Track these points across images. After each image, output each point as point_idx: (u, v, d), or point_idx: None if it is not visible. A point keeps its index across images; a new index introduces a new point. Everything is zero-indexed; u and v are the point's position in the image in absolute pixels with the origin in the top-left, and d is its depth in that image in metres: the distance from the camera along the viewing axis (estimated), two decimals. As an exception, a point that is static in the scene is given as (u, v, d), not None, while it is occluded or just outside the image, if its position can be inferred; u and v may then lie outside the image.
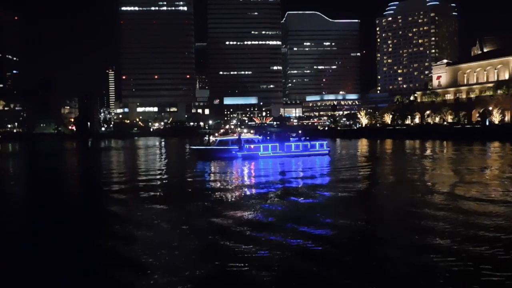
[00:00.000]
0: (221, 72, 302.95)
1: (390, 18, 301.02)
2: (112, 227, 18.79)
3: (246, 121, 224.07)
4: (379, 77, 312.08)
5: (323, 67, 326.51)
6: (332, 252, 14.39)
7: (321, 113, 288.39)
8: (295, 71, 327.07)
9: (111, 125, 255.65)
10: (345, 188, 28.08)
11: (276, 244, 15.34)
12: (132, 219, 20.23)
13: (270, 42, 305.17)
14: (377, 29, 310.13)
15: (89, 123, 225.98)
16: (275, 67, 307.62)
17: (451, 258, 13.31)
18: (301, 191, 27.59)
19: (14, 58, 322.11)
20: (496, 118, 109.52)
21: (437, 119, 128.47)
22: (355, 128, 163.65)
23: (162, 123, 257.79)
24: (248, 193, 27.72)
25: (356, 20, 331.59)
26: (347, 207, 22.05)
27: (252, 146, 53.48)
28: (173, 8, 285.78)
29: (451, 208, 20.66)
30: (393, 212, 20.97)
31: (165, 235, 17.23)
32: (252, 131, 67.46)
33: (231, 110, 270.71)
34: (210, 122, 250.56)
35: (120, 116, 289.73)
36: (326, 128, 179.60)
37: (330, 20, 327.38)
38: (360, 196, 25.87)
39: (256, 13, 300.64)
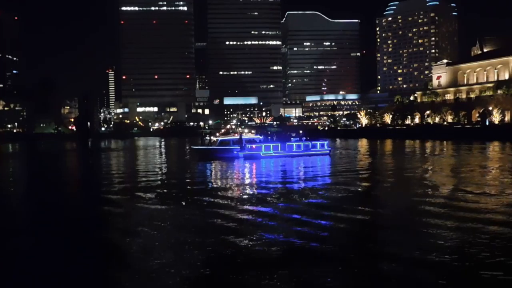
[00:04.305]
0: (221, 72, 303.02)
1: (390, 18, 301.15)
2: (112, 227, 18.85)
3: (246, 121, 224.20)
4: (379, 77, 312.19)
5: (323, 67, 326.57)
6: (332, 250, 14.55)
7: (321, 113, 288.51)
8: (295, 71, 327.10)
9: (111, 125, 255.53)
10: (346, 185, 28.21)
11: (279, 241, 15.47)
12: (132, 220, 20.28)
13: (270, 42, 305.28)
14: (377, 29, 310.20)
15: (89, 123, 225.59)
16: (275, 67, 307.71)
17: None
18: (304, 190, 27.67)
19: (14, 58, 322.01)
20: (496, 118, 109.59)
21: (437, 119, 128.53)
22: (355, 128, 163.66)
23: (162, 123, 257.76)
24: (252, 192, 27.79)
25: (356, 20, 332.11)
26: (350, 201, 22.18)
27: (253, 146, 53.57)
28: (173, 8, 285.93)
29: (450, 205, 20.80)
30: (393, 209, 21.06)
31: (165, 235, 17.26)
32: (253, 131, 67.54)
33: (231, 110, 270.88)
34: (210, 122, 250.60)
35: (120, 116, 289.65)
36: (326, 128, 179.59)
37: (330, 20, 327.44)
38: (361, 193, 25.99)
39: (256, 13, 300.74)
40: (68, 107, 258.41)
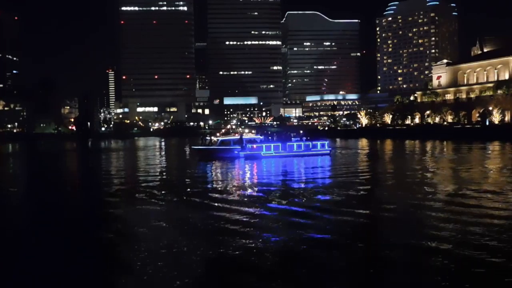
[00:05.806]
0: (221, 72, 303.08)
1: (390, 18, 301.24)
2: (112, 227, 18.80)
3: (246, 121, 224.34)
4: (379, 77, 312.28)
5: (323, 67, 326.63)
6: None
7: (321, 113, 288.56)
8: (295, 71, 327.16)
9: (111, 125, 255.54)
10: (347, 187, 28.20)
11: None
12: (132, 220, 20.23)
13: (270, 42, 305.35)
14: (377, 29, 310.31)
15: (89, 123, 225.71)
16: (275, 67, 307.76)
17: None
18: (306, 192, 27.64)
19: (14, 58, 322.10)
20: (496, 118, 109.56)
21: (437, 119, 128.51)
22: (355, 128, 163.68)
23: (162, 123, 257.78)
24: (253, 194, 27.73)
25: (356, 20, 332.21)
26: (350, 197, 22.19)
27: (254, 146, 53.53)
28: (173, 8, 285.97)
29: (451, 204, 20.78)
30: (394, 211, 21.01)
31: (164, 236, 17.19)
32: (253, 131, 67.52)
33: (231, 110, 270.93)
34: (210, 122, 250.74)
35: (120, 116, 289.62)
36: (326, 128, 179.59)
37: (330, 20, 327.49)
38: (363, 191, 25.95)
39: (256, 13, 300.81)
40: (68, 107, 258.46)
